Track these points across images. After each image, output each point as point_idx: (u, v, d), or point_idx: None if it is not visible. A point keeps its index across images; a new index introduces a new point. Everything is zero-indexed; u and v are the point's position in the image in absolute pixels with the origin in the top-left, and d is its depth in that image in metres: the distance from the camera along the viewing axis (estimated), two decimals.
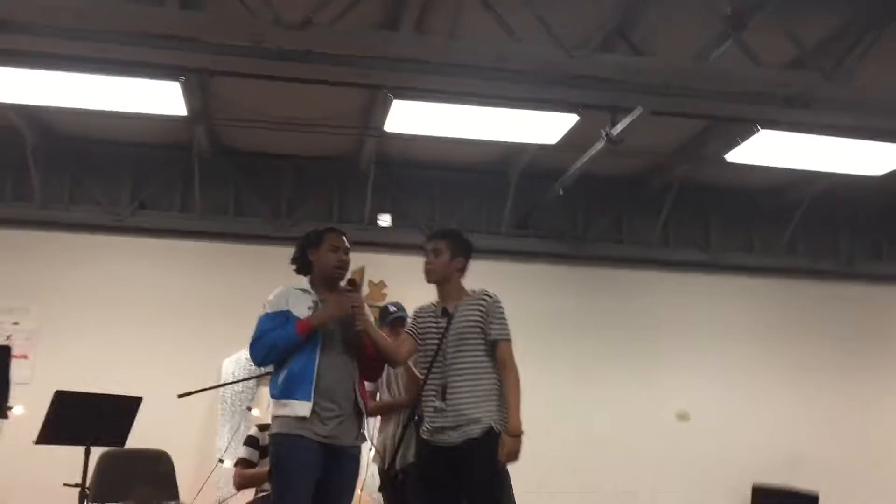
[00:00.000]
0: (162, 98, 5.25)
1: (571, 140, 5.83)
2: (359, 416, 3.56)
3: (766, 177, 6.97)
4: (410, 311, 3.94)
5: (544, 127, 5.53)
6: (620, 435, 7.07)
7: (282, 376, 3.47)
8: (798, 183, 7.17)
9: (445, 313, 3.60)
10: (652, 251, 7.54)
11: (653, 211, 7.42)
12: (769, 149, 5.54)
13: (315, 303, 3.53)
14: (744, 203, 7.63)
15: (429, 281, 3.78)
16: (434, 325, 3.73)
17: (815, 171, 6.24)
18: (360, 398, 3.57)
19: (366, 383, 3.75)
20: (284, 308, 3.52)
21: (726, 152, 5.70)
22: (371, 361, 3.64)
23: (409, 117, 5.44)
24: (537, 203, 7.17)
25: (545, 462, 6.34)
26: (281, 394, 3.47)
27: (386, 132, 5.93)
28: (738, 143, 5.47)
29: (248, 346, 6.70)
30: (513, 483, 4.03)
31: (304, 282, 3.67)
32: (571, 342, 7.29)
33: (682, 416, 7.13)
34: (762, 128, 5.19)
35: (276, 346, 3.45)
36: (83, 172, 6.91)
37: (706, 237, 7.69)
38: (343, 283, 3.65)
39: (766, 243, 7.73)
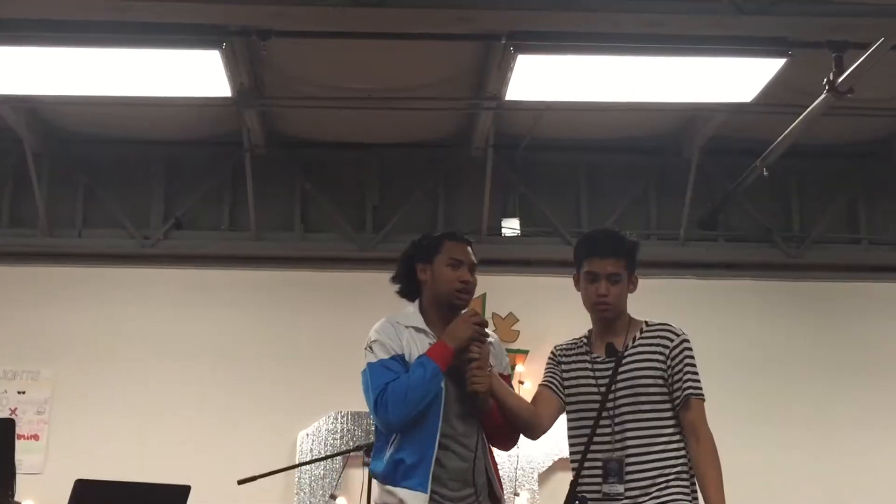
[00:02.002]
0: (197, 74, 5.42)
1: (774, 97, 5.69)
2: (493, 498, 3.57)
3: None
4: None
5: (734, 79, 5.44)
6: None
7: (388, 451, 3.50)
8: None
9: (613, 352, 3.54)
10: None
11: None
12: None
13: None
14: None
15: (605, 319, 3.73)
16: (591, 370, 3.69)
17: None
18: (493, 478, 3.57)
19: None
20: (400, 352, 3.51)
21: None
22: (499, 431, 3.64)
23: (538, 78, 5.43)
24: (730, 192, 7.03)
25: None
26: (385, 477, 3.50)
27: (506, 102, 5.94)
28: None
29: (328, 412, 6.84)
30: None
31: (410, 312, 3.67)
32: (785, 390, 7.09)
33: None
34: None
35: (416, 393, 3.44)
36: (99, 184, 7.19)
37: None
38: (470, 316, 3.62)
39: None
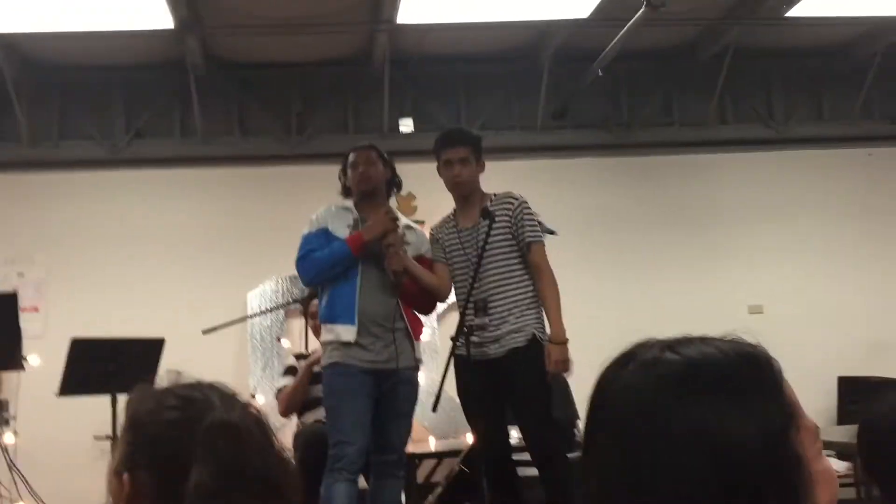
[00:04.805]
0: (145, 9, 5.23)
1: (607, 12, 5.71)
2: (409, 339, 3.70)
3: (833, 33, 6.77)
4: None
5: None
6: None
7: (325, 299, 3.68)
8: (871, 35, 6.96)
9: (487, 214, 3.63)
10: (707, 131, 7.43)
11: (706, 86, 7.27)
12: None
13: (355, 220, 3.71)
14: (810, 66, 7.45)
15: (460, 194, 3.84)
16: (458, 239, 3.80)
17: (891, 18, 6.04)
18: (407, 321, 3.71)
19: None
20: (323, 226, 3.78)
21: (786, 8, 5.54)
22: (414, 300, 3.78)
23: (422, 4, 5.36)
24: (574, 90, 7.08)
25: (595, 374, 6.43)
26: (325, 318, 3.68)
27: (398, 25, 5.87)
28: None
29: (271, 277, 6.85)
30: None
31: (347, 200, 3.95)
32: (622, 241, 7.27)
33: (755, 310, 7.15)
34: None
35: (326, 263, 3.64)
36: (71, 104, 6.95)
37: (769, 109, 7.55)
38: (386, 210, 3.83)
39: (838, 109, 7.57)
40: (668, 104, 7.51)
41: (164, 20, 5.50)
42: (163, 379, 1.39)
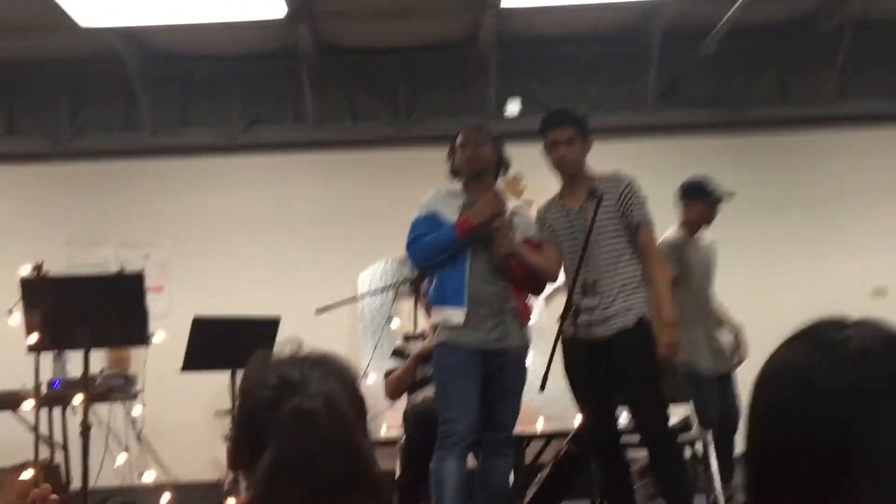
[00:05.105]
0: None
1: None
2: (518, 319, 3.74)
3: None
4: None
5: None
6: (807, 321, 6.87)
7: (434, 282, 3.73)
8: None
9: (596, 196, 3.61)
10: (827, 107, 7.17)
11: (825, 59, 7.02)
12: None
13: (464, 204, 3.73)
14: None
15: (567, 174, 3.83)
16: (566, 219, 3.79)
17: None
18: (516, 303, 3.75)
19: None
20: (432, 209, 3.82)
21: None
22: (523, 283, 3.80)
23: None
24: (684, 68, 6.93)
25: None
26: (434, 300, 3.76)
27: (505, 7, 5.87)
28: None
29: (381, 258, 6.99)
30: None
31: (456, 182, 3.94)
32: (737, 223, 7.06)
33: (879, 292, 6.87)
34: None
35: (434, 248, 3.68)
36: (191, 93, 7.21)
37: (894, 82, 7.22)
38: (498, 193, 3.88)
39: None
40: (784, 80, 7.27)
41: (276, 9, 5.66)
42: (283, 346, 1.42)
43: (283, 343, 1.43)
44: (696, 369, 4.60)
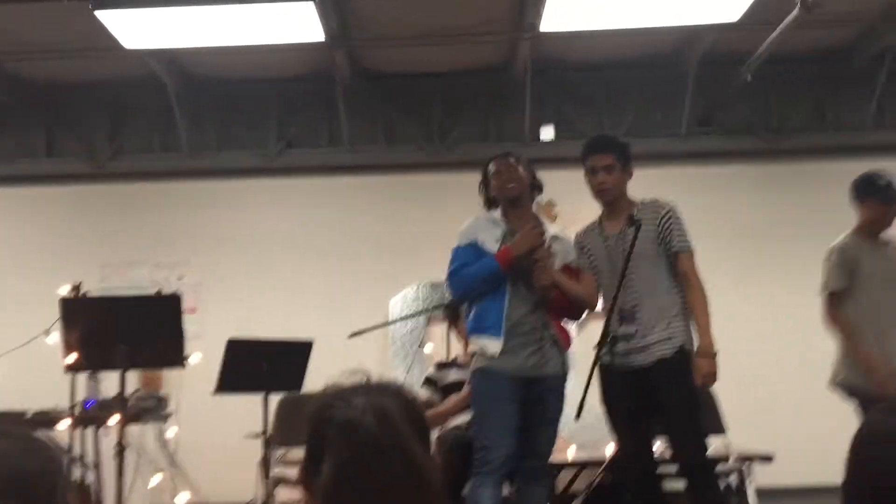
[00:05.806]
0: (297, 23, 5.44)
1: (757, 15, 5.55)
2: (558, 345, 3.71)
3: None
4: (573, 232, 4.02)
5: (722, 3, 5.31)
6: None
7: (473, 311, 3.72)
8: None
9: (633, 222, 3.59)
10: (864, 136, 7.10)
11: (862, 89, 6.97)
12: None
13: (504, 233, 3.72)
14: None
15: (605, 201, 3.81)
16: (604, 246, 3.76)
17: None
18: (556, 331, 3.72)
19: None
20: (473, 239, 3.80)
21: None
22: (563, 312, 3.78)
23: (566, 12, 5.35)
24: (721, 95, 6.89)
25: (758, 390, 6.19)
26: (472, 329, 3.76)
27: (541, 32, 5.87)
28: None
29: (412, 283, 6.96)
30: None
31: (495, 211, 3.92)
32: (772, 253, 7.02)
33: None
34: None
35: (475, 280, 3.67)
36: (228, 116, 7.27)
37: None
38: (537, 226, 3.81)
39: None
40: (821, 109, 7.22)
41: (314, 34, 5.70)
42: (346, 377, 1.46)
43: (350, 373, 1.46)
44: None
